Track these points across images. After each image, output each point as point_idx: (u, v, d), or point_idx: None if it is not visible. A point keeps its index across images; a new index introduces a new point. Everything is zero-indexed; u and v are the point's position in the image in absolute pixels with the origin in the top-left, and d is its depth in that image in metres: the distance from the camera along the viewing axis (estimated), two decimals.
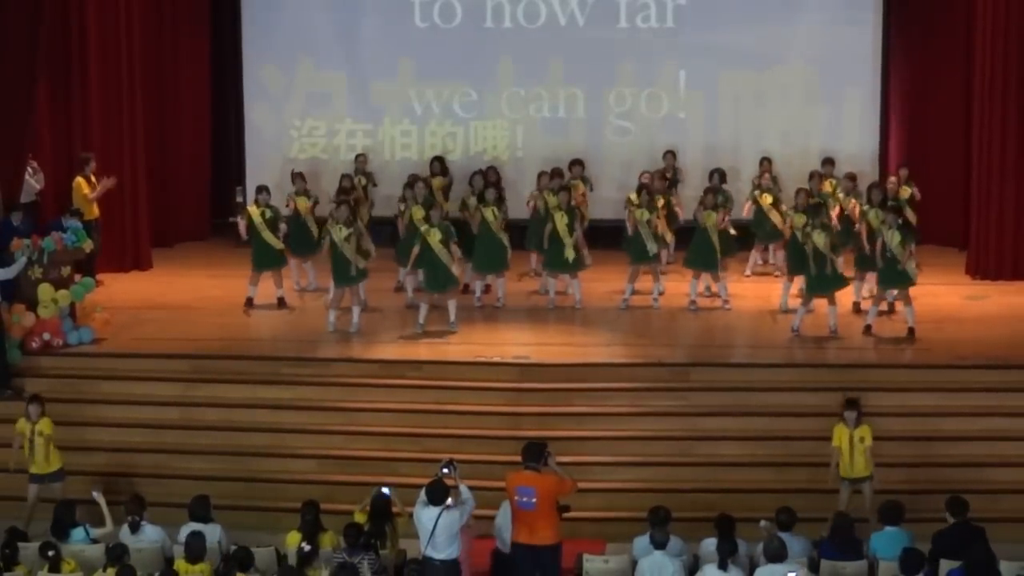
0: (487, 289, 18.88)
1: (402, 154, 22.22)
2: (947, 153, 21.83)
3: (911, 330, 16.93)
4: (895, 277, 16.92)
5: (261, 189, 18.89)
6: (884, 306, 17.74)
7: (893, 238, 16.74)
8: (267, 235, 18.45)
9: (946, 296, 19.05)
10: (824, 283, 17.04)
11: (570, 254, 18.23)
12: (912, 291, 18.15)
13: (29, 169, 19.08)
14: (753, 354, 16.80)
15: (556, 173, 19.64)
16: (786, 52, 21.92)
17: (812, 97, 21.95)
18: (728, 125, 22.01)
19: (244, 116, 22.81)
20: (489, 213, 18.23)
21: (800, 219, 17.52)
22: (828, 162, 20.27)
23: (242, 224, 18.69)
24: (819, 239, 16.93)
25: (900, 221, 17.08)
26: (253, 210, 18.56)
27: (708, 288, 18.93)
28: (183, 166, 22.80)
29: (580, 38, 21.96)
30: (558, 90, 22.08)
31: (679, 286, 18.98)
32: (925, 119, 22.26)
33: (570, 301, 18.61)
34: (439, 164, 20.43)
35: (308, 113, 22.48)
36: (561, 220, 18.26)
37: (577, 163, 20.23)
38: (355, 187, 19.92)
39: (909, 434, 15.20)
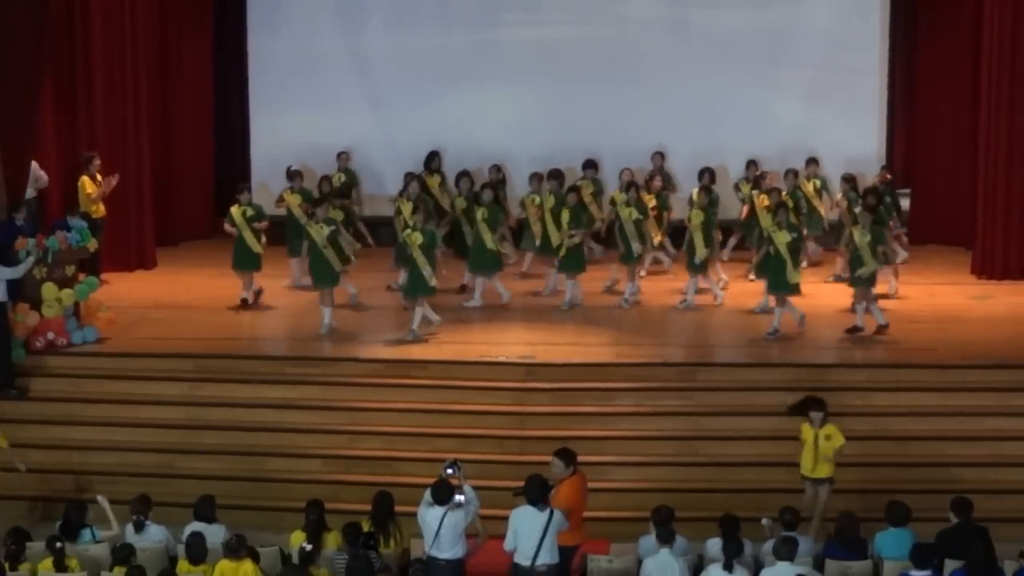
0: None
1: (406, 154, 22.17)
2: (953, 152, 21.79)
3: (855, 328, 16.94)
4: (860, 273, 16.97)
5: (242, 189, 18.85)
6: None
7: (863, 238, 16.78)
8: (247, 235, 18.35)
9: (951, 296, 19.04)
10: (779, 284, 17.10)
11: (556, 240, 18.20)
12: (916, 290, 18.15)
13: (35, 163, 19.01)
14: (759, 354, 16.73)
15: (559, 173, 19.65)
16: (790, 50, 21.87)
17: (817, 97, 21.89)
18: (731, 125, 21.90)
19: (249, 114, 22.85)
20: (480, 214, 18.19)
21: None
22: (812, 162, 20.27)
23: (227, 227, 18.58)
24: (780, 238, 16.97)
25: (872, 221, 17.09)
26: (235, 210, 18.47)
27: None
28: (187, 165, 22.81)
29: (579, 38, 21.96)
30: (557, 90, 22.00)
31: (673, 284, 19.11)
32: (931, 118, 22.21)
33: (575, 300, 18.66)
34: (435, 160, 20.45)
35: (313, 112, 22.46)
36: (561, 218, 18.26)
37: (590, 165, 20.22)
38: (334, 186, 19.87)
39: (914, 434, 15.18)
